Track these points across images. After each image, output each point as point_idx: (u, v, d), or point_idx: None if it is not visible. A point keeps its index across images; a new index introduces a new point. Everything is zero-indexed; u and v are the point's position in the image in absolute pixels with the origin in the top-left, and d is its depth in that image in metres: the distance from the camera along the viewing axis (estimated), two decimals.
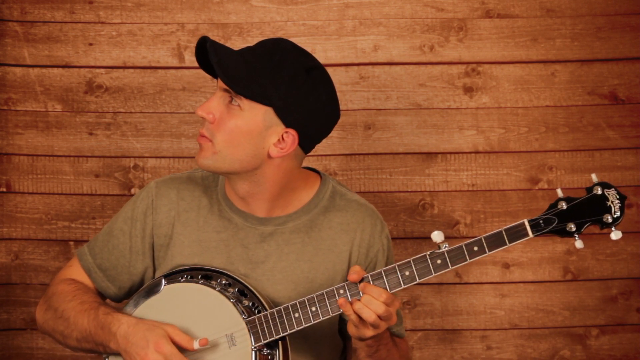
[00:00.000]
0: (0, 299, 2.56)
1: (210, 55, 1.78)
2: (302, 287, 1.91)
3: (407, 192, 2.56)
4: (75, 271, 1.98)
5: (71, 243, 2.55)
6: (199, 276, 1.88)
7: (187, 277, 1.88)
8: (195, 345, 1.78)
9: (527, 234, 1.71)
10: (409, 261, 1.75)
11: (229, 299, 1.82)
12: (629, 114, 2.54)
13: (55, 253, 2.55)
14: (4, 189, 2.55)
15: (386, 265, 1.92)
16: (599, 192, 1.70)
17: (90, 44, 2.54)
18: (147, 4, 2.54)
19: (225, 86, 1.81)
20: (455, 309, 2.57)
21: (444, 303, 2.57)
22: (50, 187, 2.55)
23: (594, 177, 1.72)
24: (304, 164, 1.98)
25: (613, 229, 1.70)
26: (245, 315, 1.81)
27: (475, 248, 1.72)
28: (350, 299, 1.75)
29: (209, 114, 1.82)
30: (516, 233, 1.71)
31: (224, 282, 1.87)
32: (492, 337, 2.57)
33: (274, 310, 1.80)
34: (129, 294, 1.97)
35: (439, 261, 1.74)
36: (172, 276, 1.89)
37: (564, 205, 1.71)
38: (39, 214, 2.55)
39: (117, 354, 1.83)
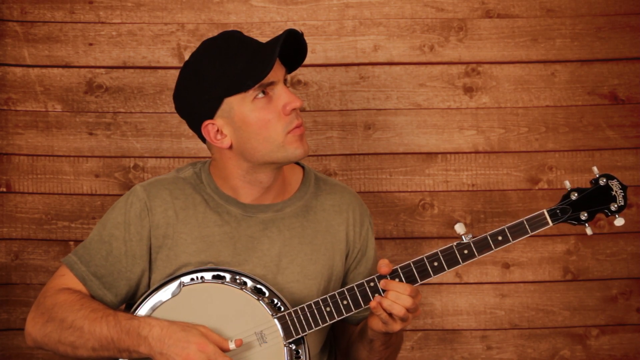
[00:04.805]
0: (0, 299, 2.56)
1: (300, 39, 1.85)
2: (308, 270, 1.94)
3: (407, 192, 2.55)
4: (69, 280, 1.91)
5: (71, 243, 2.55)
6: (211, 277, 1.86)
7: (199, 278, 1.86)
8: (231, 345, 1.77)
9: (547, 223, 1.82)
10: (437, 252, 1.81)
11: (254, 297, 1.83)
12: (629, 114, 2.54)
13: (55, 253, 2.55)
14: (4, 189, 2.55)
15: (373, 240, 2.04)
16: (604, 182, 1.83)
17: (90, 44, 2.54)
18: (147, 4, 2.53)
19: (284, 74, 1.89)
20: (455, 309, 2.57)
21: (444, 303, 2.57)
22: (50, 187, 2.55)
23: (595, 170, 1.84)
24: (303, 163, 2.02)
25: (617, 216, 1.84)
26: (272, 312, 1.82)
27: (500, 238, 1.81)
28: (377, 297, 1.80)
29: (300, 100, 1.88)
30: (537, 222, 1.82)
31: (238, 280, 1.86)
32: (492, 337, 2.57)
33: (304, 305, 1.83)
34: (124, 301, 1.95)
35: (465, 251, 1.81)
36: (183, 276, 1.87)
37: (575, 196, 1.82)
38: (39, 214, 2.55)
39: (146, 358, 1.79)
